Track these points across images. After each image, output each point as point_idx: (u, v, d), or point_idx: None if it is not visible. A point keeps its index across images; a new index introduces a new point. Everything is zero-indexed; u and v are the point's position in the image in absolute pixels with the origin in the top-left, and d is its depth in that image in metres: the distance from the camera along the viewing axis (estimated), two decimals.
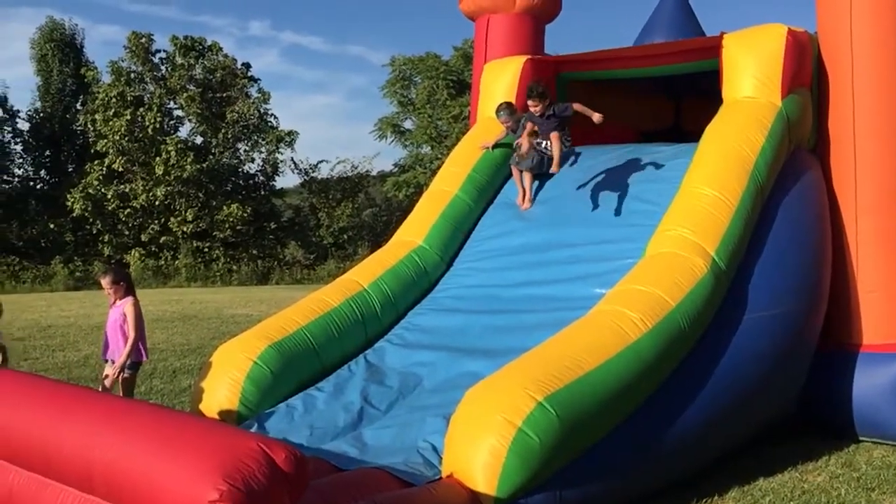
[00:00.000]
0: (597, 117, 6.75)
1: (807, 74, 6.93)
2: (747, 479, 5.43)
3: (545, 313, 6.19)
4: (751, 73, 6.76)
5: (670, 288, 5.41)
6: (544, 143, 7.07)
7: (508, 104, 7.62)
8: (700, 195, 6.09)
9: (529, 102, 6.98)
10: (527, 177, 7.45)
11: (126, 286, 6.33)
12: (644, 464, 4.91)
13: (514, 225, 7.38)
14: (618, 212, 6.86)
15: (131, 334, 6.17)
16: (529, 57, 8.19)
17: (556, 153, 6.96)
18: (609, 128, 9.27)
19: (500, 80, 8.17)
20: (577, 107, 6.97)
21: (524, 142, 7.07)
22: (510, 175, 7.67)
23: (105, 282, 6.35)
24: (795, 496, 5.17)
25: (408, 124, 32.29)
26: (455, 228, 7.48)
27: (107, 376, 6.26)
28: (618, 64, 8.33)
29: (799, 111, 6.76)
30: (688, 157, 6.61)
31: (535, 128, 7.18)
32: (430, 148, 30.94)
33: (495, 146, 7.78)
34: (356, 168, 31.87)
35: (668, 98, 10.29)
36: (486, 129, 7.95)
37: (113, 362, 6.31)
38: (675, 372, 5.21)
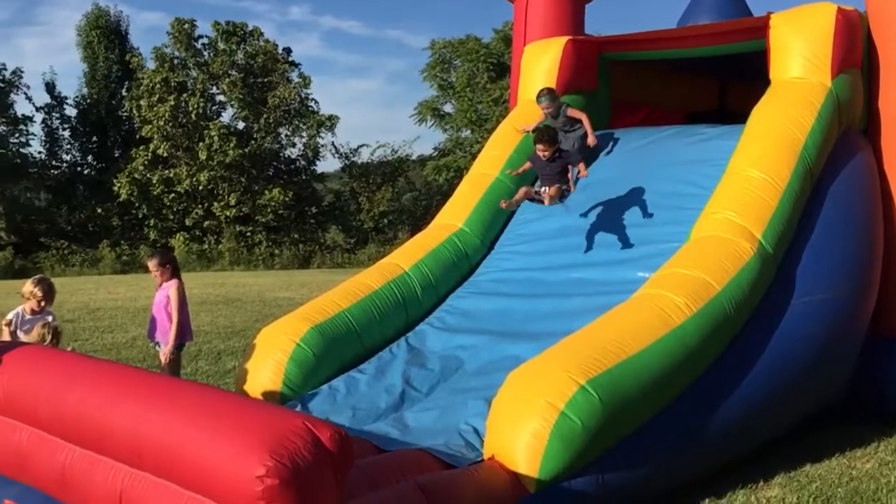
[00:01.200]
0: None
1: (857, 54, 6.75)
2: (794, 464, 5.36)
3: (587, 297, 6.15)
4: (799, 53, 6.61)
5: (716, 271, 5.34)
6: (543, 190, 6.49)
7: (550, 90, 7.53)
8: (747, 177, 5.98)
9: (539, 146, 6.49)
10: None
11: (171, 269, 6.44)
12: (688, 449, 4.86)
13: (556, 208, 7.32)
14: (661, 195, 6.76)
15: (175, 316, 6.27)
16: (571, 38, 8.09)
17: (549, 195, 6.42)
18: (653, 110, 9.21)
19: (541, 62, 8.09)
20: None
21: (520, 194, 6.51)
22: None
23: (151, 264, 6.47)
24: (843, 483, 5.09)
25: (448, 108, 32.24)
26: (496, 212, 7.44)
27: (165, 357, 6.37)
28: (662, 45, 8.19)
29: (849, 92, 6.59)
30: (734, 139, 6.49)
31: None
32: (470, 131, 30.84)
33: (535, 130, 7.71)
34: (396, 152, 31.94)
35: (713, 79, 10.11)
36: (526, 111, 7.89)
37: (157, 344, 6.44)
38: (720, 357, 5.14)
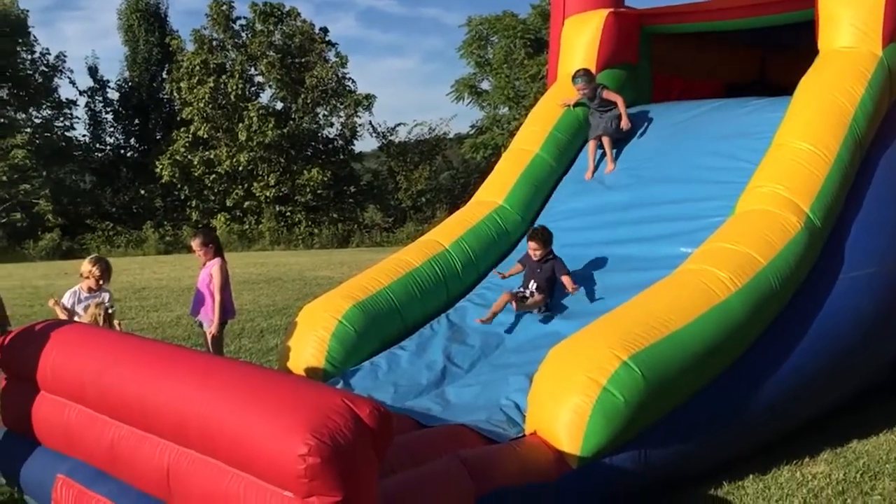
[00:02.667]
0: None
1: None
2: (841, 440, 5.28)
3: (629, 273, 6.09)
4: (849, 21, 6.42)
5: (761, 246, 5.24)
6: (528, 291, 6.10)
7: (586, 71, 7.45)
8: (795, 150, 5.85)
9: (531, 244, 6.16)
10: (606, 141, 7.30)
11: (214, 248, 6.51)
12: (733, 426, 4.81)
13: (596, 184, 7.26)
14: (704, 169, 6.64)
15: (217, 295, 6.35)
16: (612, 10, 7.96)
17: (535, 301, 6.07)
18: (693, 83, 9.04)
19: (581, 36, 7.98)
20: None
21: (500, 301, 6.06)
22: None
23: (195, 244, 6.55)
24: (891, 458, 5.00)
25: (485, 85, 31.99)
26: (536, 188, 7.40)
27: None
28: (706, 16, 8.02)
29: None
30: (780, 110, 6.34)
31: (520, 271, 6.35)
32: (507, 109, 30.61)
33: (576, 104, 7.64)
34: (433, 130, 31.84)
35: (753, 50, 9.89)
36: (566, 86, 7.79)
37: (200, 322, 6.54)
38: (766, 333, 5.07)
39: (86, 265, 5.86)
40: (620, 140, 7.37)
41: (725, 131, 6.85)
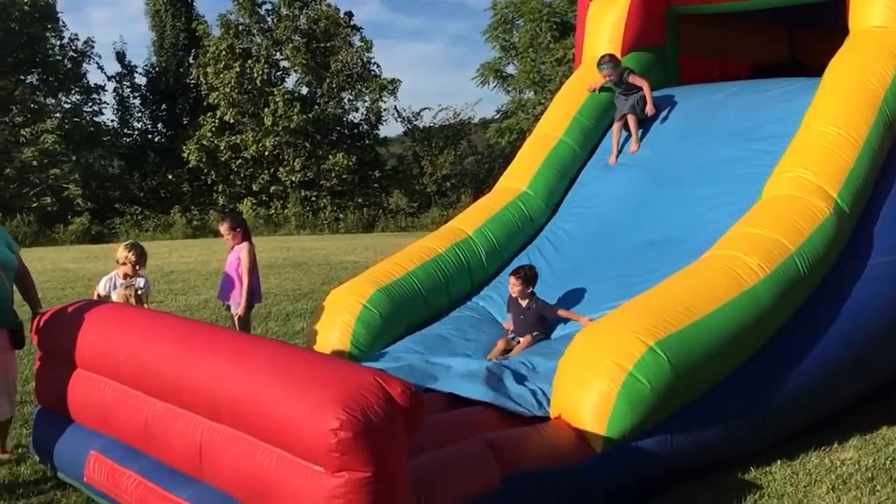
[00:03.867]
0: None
1: None
2: (870, 427, 5.23)
3: (654, 259, 6.05)
4: (881, 0, 6.31)
5: (789, 231, 5.20)
6: (516, 341, 5.82)
7: (612, 56, 7.40)
8: (823, 133, 5.78)
9: (510, 279, 5.90)
10: (631, 120, 7.26)
11: (243, 232, 6.58)
12: (760, 412, 4.78)
13: (621, 168, 7.22)
14: (731, 153, 6.59)
15: (245, 278, 6.42)
16: None
17: (520, 349, 5.75)
18: (720, 64, 8.94)
19: (607, 17, 7.92)
20: (562, 313, 5.86)
21: (496, 350, 5.74)
22: None
23: (223, 228, 6.62)
24: None
25: (510, 69, 31.80)
26: (560, 174, 7.38)
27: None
28: None
29: None
30: (809, 93, 6.26)
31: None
32: (533, 93, 30.42)
33: (602, 89, 7.59)
34: (458, 115, 31.74)
35: (781, 30, 9.75)
36: (591, 69, 7.74)
37: (228, 305, 6.61)
38: (794, 319, 5.03)
39: (121, 252, 5.89)
40: (646, 122, 7.32)
41: (752, 114, 6.78)
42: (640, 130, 7.30)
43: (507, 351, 5.75)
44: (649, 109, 7.21)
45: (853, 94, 5.93)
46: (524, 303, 5.87)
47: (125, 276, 5.87)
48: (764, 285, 4.89)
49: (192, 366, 3.81)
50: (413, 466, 3.53)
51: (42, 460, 4.88)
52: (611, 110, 7.53)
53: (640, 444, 4.29)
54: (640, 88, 7.27)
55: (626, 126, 7.35)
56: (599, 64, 7.36)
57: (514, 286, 5.88)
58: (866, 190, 5.65)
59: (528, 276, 5.92)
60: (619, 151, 7.32)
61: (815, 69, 6.43)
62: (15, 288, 5.22)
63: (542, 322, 5.88)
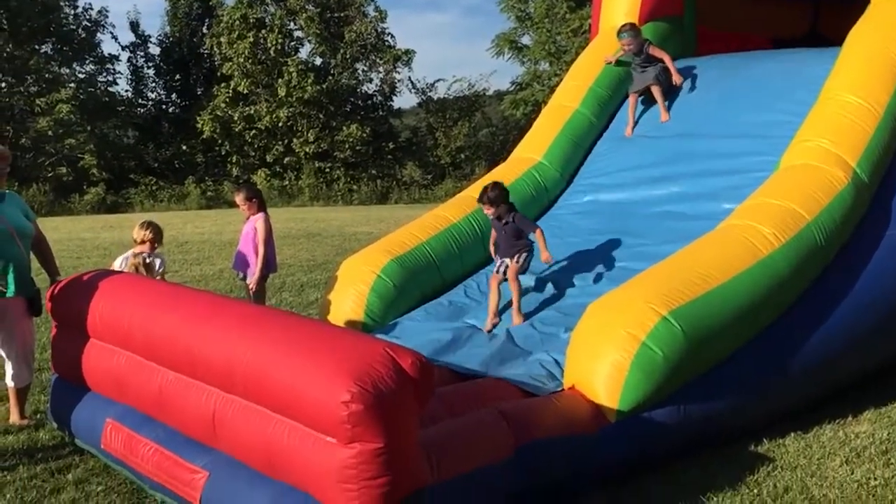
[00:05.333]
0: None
1: None
2: (885, 401, 5.22)
3: (669, 230, 6.02)
4: None
5: (806, 201, 5.15)
6: (504, 265, 5.74)
7: (632, 25, 7.28)
8: (842, 103, 5.70)
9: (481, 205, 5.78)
10: (657, 90, 7.16)
11: (258, 202, 6.58)
12: (774, 383, 4.77)
13: (637, 139, 7.16)
14: (749, 124, 6.52)
15: (261, 248, 6.43)
16: None
17: (512, 272, 5.66)
18: (739, 36, 8.81)
19: None
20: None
21: (491, 292, 5.70)
22: None
23: (239, 198, 6.63)
24: None
25: (525, 40, 31.49)
26: (576, 144, 7.33)
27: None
28: None
29: None
30: (829, 62, 6.17)
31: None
32: (548, 64, 30.12)
33: (618, 62, 7.50)
34: (473, 87, 31.55)
35: (804, 2, 9.58)
36: (608, 40, 7.66)
37: (243, 275, 6.63)
38: (809, 289, 5.00)
39: (137, 231, 5.82)
40: (670, 92, 7.23)
41: (771, 84, 6.70)
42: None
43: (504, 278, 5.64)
44: (676, 79, 7.09)
45: (874, 63, 5.84)
46: (503, 220, 5.75)
47: (140, 254, 5.83)
48: (779, 255, 4.86)
49: (205, 336, 3.83)
50: (426, 436, 3.55)
51: (59, 427, 4.94)
52: (628, 81, 7.45)
53: (653, 414, 4.28)
54: (660, 60, 7.16)
55: (646, 98, 7.26)
56: (620, 32, 7.25)
57: (486, 210, 5.78)
58: (885, 160, 5.59)
59: (492, 196, 5.70)
60: (636, 123, 7.25)
61: (839, 43, 6.31)
62: (32, 256, 5.25)
63: (521, 236, 5.72)
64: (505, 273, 5.75)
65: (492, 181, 6.06)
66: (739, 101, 6.73)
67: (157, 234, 5.84)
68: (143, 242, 5.79)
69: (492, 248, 6.01)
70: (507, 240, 5.76)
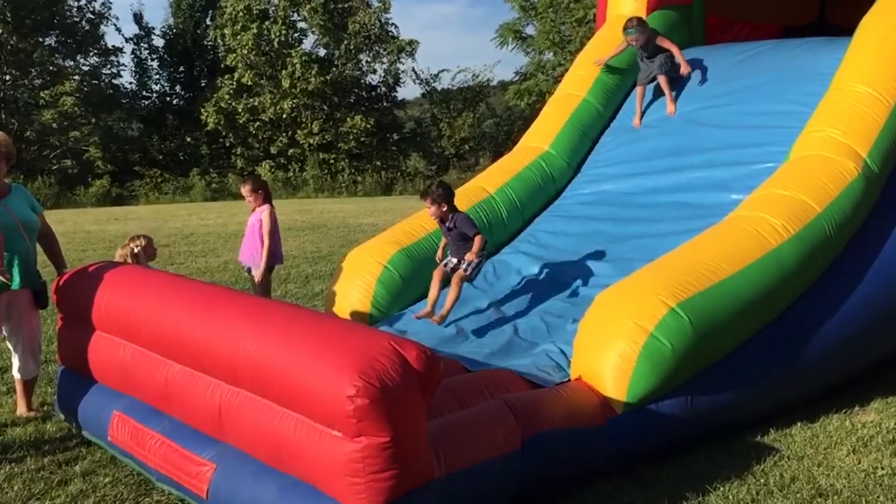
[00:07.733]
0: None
1: None
2: (891, 390, 5.19)
3: (678, 221, 5.99)
4: None
5: (816, 192, 5.11)
6: (451, 263, 5.64)
7: (640, 20, 7.17)
8: (853, 93, 5.65)
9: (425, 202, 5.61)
10: (663, 80, 7.09)
11: (264, 194, 6.57)
12: (782, 375, 4.75)
13: (645, 130, 7.12)
14: (758, 114, 6.46)
15: (266, 240, 6.42)
16: None
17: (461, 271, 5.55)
18: (748, 25, 8.76)
19: None
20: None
21: (434, 281, 5.63)
22: None
23: (245, 190, 6.61)
24: None
25: (530, 30, 31.38)
26: (583, 133, 7.29)
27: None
28: None
29: None
30: (839, 52, 6.12)
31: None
32: (552, 54, 30.01)
33: (608, 67, 7.43)
34: (477, 77, 31.48)
35: None
36: (615, 29, 7.60)
37: (249, 268, 6.62)
38: (819, 281, 4.96)
39: (136, 240, 5.76)
40: (677, 82, 7.18)
41: (780, 74, 6.64)
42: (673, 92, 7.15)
43: (453, 272, 5.54)
44: (684, 70, 7.02)
45: (885, 53, 5.79)
46: (446, 224, 5.62)
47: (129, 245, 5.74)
48: (788, 246, 4.82)
49: (210, 329, 3.81)
50: (433, 428, 3.53)
51: (66, 419, 4.94)
52: (635, 69, 7.40)
53: (660, 405, 4.26)
54: (667, 50, 7.10)
55: (655, 88, 7.20)
56: (626, 28, 7.17)
57: (429, 209, 5.59)
58: None
59: (436, 195, 5.52)
60: (643, 114, 7.20)
61: (849, 31, 6.25)
62: (39, 249, 5.24)
63: (468, 238, 5.54)
64: (453, 270, 5.61)
65: (438, 180, 5.94)
66: (748, 91, 6.68)
67: (148, 247, 5.75)
68: (135, 242, 5.74)
69: (439, 255, 5.90)
70: (454, 243, 5.65)
